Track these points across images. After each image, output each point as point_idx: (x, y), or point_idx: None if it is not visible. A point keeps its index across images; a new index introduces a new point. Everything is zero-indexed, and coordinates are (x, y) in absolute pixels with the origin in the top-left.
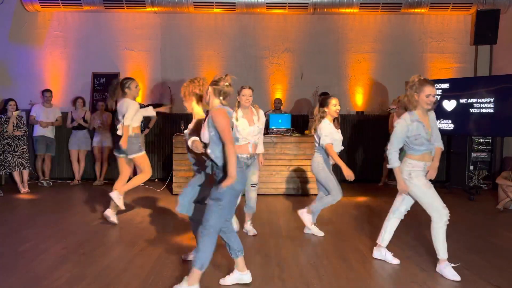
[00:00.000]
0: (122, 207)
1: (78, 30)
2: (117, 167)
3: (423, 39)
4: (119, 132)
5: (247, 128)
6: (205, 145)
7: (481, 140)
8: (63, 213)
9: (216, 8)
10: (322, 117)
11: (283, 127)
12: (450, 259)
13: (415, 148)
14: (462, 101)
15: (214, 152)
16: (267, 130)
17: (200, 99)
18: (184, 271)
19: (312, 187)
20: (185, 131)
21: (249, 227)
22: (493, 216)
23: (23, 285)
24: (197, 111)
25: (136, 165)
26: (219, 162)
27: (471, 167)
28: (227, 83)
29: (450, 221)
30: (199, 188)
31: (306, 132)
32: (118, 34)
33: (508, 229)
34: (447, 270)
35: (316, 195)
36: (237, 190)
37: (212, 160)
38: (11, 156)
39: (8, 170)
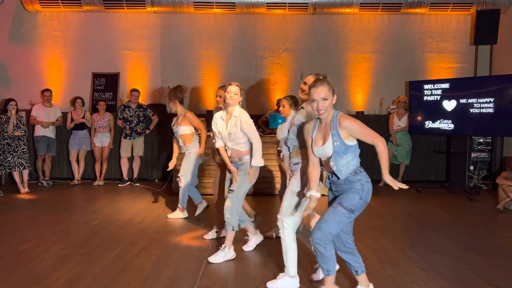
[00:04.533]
0: None
1: (78, 30)
2: (116, 167)
3: (423, 39)
4: None
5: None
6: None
7: (481, 140)
8: (63, 213)
9: (216, 8)
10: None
11: None
12: (450, 259)
13: None
14: (462, 101)
15: (337, 164)
16: (267, 130)
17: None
18: (184, 271)
19: None
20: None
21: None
22: (493, 216)
23: (23, 285)
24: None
25: None
26: (345, 174)
27: (471, 167)
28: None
29: (450, 221)
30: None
31: None
32: (118, 34)
33: (508, 229)
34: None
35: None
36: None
37: (333, 173)
38: (11, 156)
39: (8, 170)
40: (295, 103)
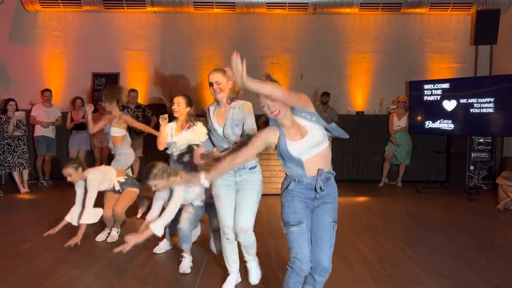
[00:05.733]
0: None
1: (78, 30)
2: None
3: (423, 39)
4: None
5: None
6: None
7: (481, 140)
8: (63, 213)
9: (216, 8)
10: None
11: None
12: (450, 259)
13: None
14: (462, 101)
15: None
16: None
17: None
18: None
19: None
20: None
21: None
22: (493, 216)
23: (23, 284)
24: None
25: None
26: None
27: (471, 167)
28: None
29: (450, 221)
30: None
31: None
32: (118, 34)
33: (508, 229)
34: None
35: None
36: None
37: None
38: (11, 156)
39: (8, 170)
40: (190, 102)
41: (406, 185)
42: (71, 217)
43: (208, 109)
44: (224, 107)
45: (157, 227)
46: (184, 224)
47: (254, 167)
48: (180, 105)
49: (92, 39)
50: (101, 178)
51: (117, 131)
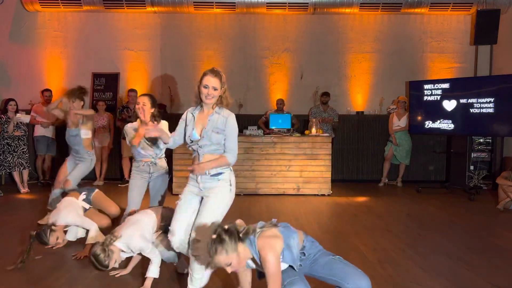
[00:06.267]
0: None
1: (78, 30)
2: (116, 167)
3: (423, 39)
4: None
5: None
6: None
7: (481, 140)
8: None
9: (216, 8)
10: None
11: (283, 127)
12: (450, 259)
13: None
14: (462, 101)
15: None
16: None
17: None
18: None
19: (312, 187)
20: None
21: None
22: (493, 216)
23: (23, 285)
24: None
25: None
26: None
27: (471, 167)
28: None
29: (450, 221)
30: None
31: (306, 132)
32: (118, 34)
33: (508, 229)
34: None
35: (316, 195)
36: None
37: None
38: (11, 156)
39: (8, 170)
40: (155, 103)
41: (406, 185)
42: (70, 236)
43: (186, 115)
44: (208, 110)
45: (153, 271)
46: (164, 255)
47: (219, 174)
48: (145, 105)
49: (92, 39)
50: (74, 210)
51: (87, 134)
